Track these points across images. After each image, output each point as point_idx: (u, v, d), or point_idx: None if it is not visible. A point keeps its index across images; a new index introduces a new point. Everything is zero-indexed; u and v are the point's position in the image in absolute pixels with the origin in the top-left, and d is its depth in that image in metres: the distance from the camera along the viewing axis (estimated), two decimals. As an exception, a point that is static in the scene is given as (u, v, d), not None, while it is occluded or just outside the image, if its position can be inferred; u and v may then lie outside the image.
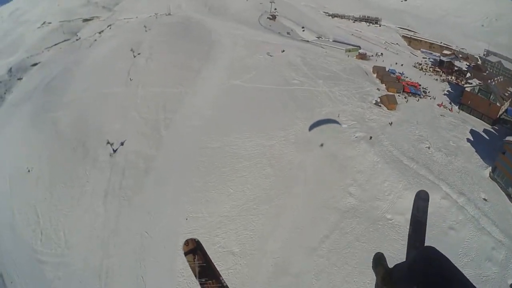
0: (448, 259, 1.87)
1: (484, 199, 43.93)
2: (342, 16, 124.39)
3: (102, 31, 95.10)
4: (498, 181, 47.45)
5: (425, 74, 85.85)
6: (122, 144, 48.47)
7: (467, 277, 1.77)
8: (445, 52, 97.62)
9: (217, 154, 45.58)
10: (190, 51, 72.97)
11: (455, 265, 1.84)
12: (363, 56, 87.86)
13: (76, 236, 39.81)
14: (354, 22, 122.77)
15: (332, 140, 48.85)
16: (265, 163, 44.46)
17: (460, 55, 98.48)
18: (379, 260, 2.65)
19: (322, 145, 48.33)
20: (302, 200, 40.71)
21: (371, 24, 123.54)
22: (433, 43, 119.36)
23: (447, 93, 76.54)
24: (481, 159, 52.28)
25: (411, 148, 50.34)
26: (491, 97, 66.15)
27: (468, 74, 78.32)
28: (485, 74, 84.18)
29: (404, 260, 2.37)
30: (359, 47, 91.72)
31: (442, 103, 68.88)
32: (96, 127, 51.64)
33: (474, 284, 1.76)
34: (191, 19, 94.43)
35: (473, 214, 40.79)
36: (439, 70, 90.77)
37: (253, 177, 42.68)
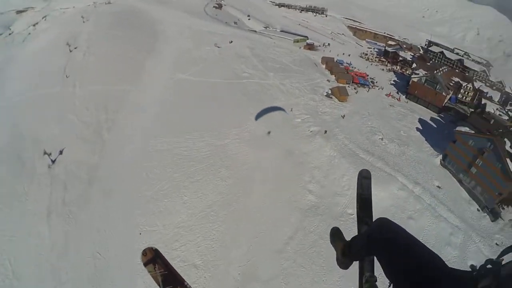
0: (400, 227, 1.95)
1: (438, 187, 45.37)
2: (289, 6, 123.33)
3: (37, 23, 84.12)
4: (449, 168, 49.34)
5: (372, 64, 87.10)
6: (61, 153, 42.12)
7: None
8: (390, 42, 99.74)
9: (167, 158, 41.26)
10: (133, 43, 66.62)
11: (409, 232, 1.93)
12: (311, 47, 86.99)
13: (23, 264, 33.62)
14: (301, 12, 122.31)
15: (287, 135, 46.68)
16: (219, 164, 41.07)
17: (404, 46, 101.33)
18: (336, 235, 2.86)
19: (269, 132, 46.80)
20: (262, 202, 38.12)
21: (317, 14, 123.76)
22: (377, 34, 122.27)
23: (394, 83, 78.27)
24: (431, 148, 53.98)
25: (365, 140, 50.15)
26: (437, 87, 68.38)
27: (414, 65, 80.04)
28: (429, 64, 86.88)
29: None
30: (307, 37, 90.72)
31: (390, 93, 69.93)
32: (32, 134, 44.36)
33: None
34: (133, 8, 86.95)
35: (430, 203, 41.66)
36: (385, 60, 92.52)
37: (208, 181, 39.13)
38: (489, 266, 1.51)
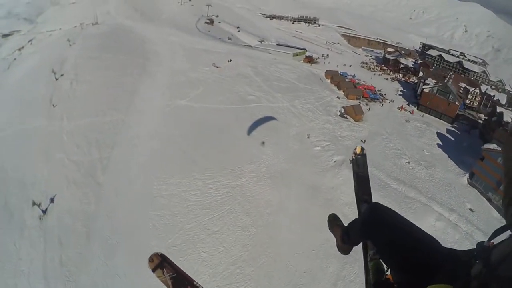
0: (394, 211, 1.94)
1: (471, 209, 42.54)
2: (280, 17, 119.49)
3: (23, 47, 77.05)
4: (477, 186, 46.79)
5: (375, 74, 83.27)
6: (52, 201, 35.81)
7: None
8: (389, 49, 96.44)
9: (176, 205, 35.40)
10: (123, 66, 60.42)
11: (404, 217, 1.89)
12: (310, 59, 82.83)
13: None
14: (293, 23, 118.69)
15: (309, 168, 41.59)
16: (238, 210, 35.45)
17: (403, 52, 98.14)
18: (334, 221, 2.87)
19: (263, 143, 43.71)
20: (293, 251, 32.73)
21: (310, 24, 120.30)
22: (371, 40, 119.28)
23: (401, 93, 74.68)
24: (456, 166, 50.96)
25: (393, 166, 46.10)
26: (450, 96, 65.68)
27: (421, 73, 76.59)
28: (431, 69, 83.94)
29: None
30: (305, 50, 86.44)
31: (402, 106, 66.19)
32: (18, 177, 37.75)
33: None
34: (121, 28, 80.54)
35: (467, 230, 38.95)
36: (386, 68, 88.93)
37: (228, 232, 33.46)
38: (479, 250, 1.45)
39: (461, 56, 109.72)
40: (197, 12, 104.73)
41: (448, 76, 73.02)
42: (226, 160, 40.50)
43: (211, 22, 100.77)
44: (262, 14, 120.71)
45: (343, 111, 55.70)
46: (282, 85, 59.79)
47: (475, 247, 1.54)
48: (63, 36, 74.75)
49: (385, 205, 2.04)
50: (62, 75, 57.15)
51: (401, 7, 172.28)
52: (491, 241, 1.44)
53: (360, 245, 2.70)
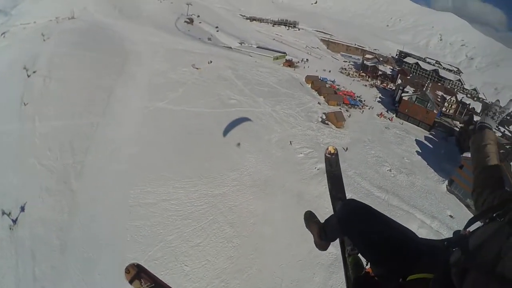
0: (369, 206, 1.97)
1: (451, 216, 43.06)
2: (260, 20, 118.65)
3: None
4: (456, 193, 47.71)
5: (354, 80, 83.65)
6: (22, 209, 32.83)
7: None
8: (367, 56, 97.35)
9: (155, 215, 33.42)
10: (100, 66, 57.32)
11: (379, 210, 1.92)
12: (290, 63, 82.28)
13: None
14: (273, 26, 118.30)
15: (292, 176, 40.63)
16: (221, 221, 33.90)
17: (381, 59, 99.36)
18: (310, 218, 3.06)
19: (239, 144, 42.89)
20: (279, 262, 31.61)
21: (290, 27, 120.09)
22: (349, 46, 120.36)
23: (380, 99, 75.27)
24: (435, 173, 51.73)
25: (375, 174, 46.10)
26: (428, 104, 66.94)
27: (399, 81, 77.59)
28: (409, 77, 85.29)
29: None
30: (285, 54, 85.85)
31: (382, 113, 66.69)
32: None
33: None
34: (99, 24, 76.74)
35: (448, 236, 39.28)
36: (364, 74, 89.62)
37: (212, 244, 31.85)
38: (456, 239, 1.50)
39: (436, 64, 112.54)
40: (177, 10, 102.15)
41: (426, 85, 74.23)
42: (208, 167, 38.92)
43: (190, 21, 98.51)
44: (242, 15, 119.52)
45: (324, 117, 55.17)
46: (264, 89, 58.66)
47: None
48: (37, 30, 70.54)
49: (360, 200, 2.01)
50: (34, 72, 53.42)
51: (379, 14, 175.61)
52: (467, 230, 1.50)
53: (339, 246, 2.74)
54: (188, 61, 64.56)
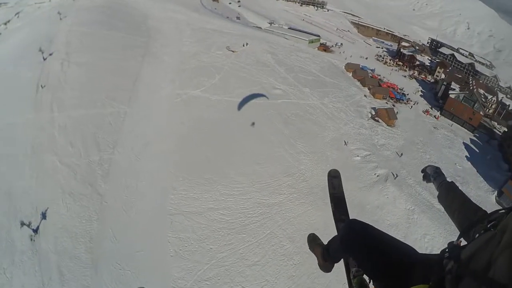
0: (372, 226, 2.00)
1: None
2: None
3: (9, 21, 65.58)
4: (504, 205, 43.60)
5: (392, 70, 78.07)
6: (44, 216, 28.41)
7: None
8: (404, 44, 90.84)
9: (202, 227, 29.25)
10: (124, 46, 51.82)
11: (381, 230, 1.97)
12: (326, 48, 76.68)
13: None
14: (301, 5, 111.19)
15: (351, 183, 36.16)
16: (280, 235, 29.80)
17: (417, 47, 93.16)
18: (314, 241, 2.96)
19: (253, 124, 39.92)
20: (343, 280, 27.23)
21: (318, 8, 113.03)
22: (379, 30, 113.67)
23: (422, 93, 70.00)
24: (485, 182, 47.89)
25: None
26: (475, 105, 62.09)
27: (443, 75, 72.21)
28: (448, 70, 79.86)
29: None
30: (319, 37, 79.84)
31: (428, 110, 61.67)
32: (3, 189, 30.08)
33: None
34: (119, 1, 70.44)
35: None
36: (401, 63, 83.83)
37: (271, 262, 27.92)
38: (450, 249, 1.56)
39: (470, 57, 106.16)
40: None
41: (471, 82, 68.99)
42: (259, 171, 34.48)
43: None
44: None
45: (373, 113, 50.33)
46: (308, 78, 53.47)
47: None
48: (53, 9, 64.33)
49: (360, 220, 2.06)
50: (51, 54, 47.96)
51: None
52: (459, 240, 1.63)
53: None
54: (220, 43, 59.02)
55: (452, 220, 2.06)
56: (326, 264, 2.71)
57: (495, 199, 45.30)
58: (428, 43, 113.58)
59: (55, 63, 45.90)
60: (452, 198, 2.15)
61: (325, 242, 2.79)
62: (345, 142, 41.13)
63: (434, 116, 61.07)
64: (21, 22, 61.09)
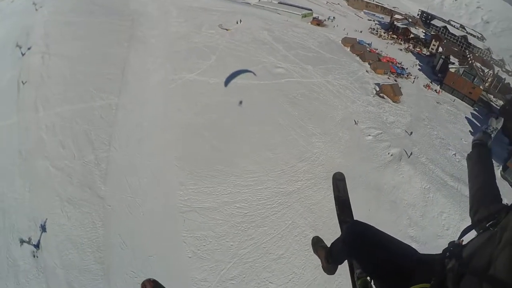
0: (374, 227, 1.99)
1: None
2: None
3: None
4: (509, 180, 45.02)
5: (387, 43, 76.04)
6: (43, 229, 25.37)
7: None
8: (397, 16, 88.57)
9: (220, 222, 26.97)
10: (106, 32, 47.13)
11: (382, 231, 1.95)
12: (319, 22, 73.67)
13: None
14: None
15: (367, 164, 34.68)
16: (302, 224, 28.01)
17: (410, 20, 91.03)
18: (318, 243, 3.01)
19: (241, 102, 37.69)
20: None
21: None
22: (368, 2, 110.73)
23: (419, 67, 68.57)
24: None
25: (443, 160, 41.55)
26: (475, 80, 61.46)
27: (440, 49, 70.83)
28: (443, 43, 78.52)
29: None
30: (311, 11, 76.62)
31: (428, 85, 60.45)
32: None
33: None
34: None
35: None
36: (396, 36, 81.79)
37: (296, 254, 26.16)
38: (451, 248, 1.57)
39: (461, 29, 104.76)
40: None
41: (469, 57, 68.05)
42: (273, 158, 32.25)
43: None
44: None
45: (377, 89, 48.52)
46: (308, 54, 50.87)
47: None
48: (27, 0, 58.73)
49: (366, 222, 2.06)
50: (29, 48, 43.08)
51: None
52: (461, 239, 1.60)
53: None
54: (211, 21, 55.29)
55: (469, 189, 1.94)
56: (329, 267, 2.66)
57: (500, 173, 45.11)
58: (418, 15, 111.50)
59: (35, 57, 41.31)
60: (479, 171, 1.97)
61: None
62: (355, 121, 39.29)
63: (435, 90, 59.84)
64: (-6, 19, 55.45)
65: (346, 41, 63.07)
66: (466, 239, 1.59)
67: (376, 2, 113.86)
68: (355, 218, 2.84)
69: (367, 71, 53.78)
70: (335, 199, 3.24)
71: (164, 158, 31.48)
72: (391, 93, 47.42)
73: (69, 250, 24.67)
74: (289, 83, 42.60)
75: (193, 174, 30.29)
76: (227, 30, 52.70)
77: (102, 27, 49.39)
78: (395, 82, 51.30)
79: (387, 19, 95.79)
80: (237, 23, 55.38)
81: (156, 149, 32.23)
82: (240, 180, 30.08)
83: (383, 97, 47.22)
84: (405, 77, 58.95)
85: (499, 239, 1.19)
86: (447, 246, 1.60)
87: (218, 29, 53.12)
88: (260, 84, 41.31)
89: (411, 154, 37.40)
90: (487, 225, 1.47)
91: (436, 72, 67.83)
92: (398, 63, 63.66)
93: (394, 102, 47.34)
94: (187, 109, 37.04)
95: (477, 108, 61.79)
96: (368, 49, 63.08)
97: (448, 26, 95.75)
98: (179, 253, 25.22)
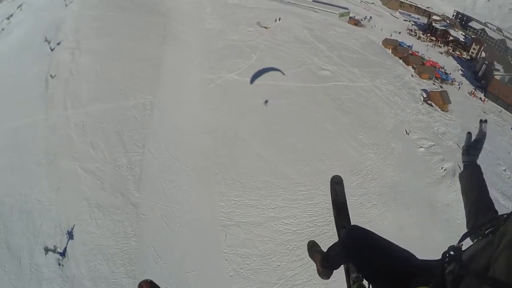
0: (373, 232, 2.02)
1: None
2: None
3: (11, 15, 58.33)
4: None
5: (427, 45, 72.80)
6: (71, 236, 23.99)
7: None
8: (435, 17, 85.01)
9: (265, 240, 25.25)
10: (139, 28, 45.65)
11: (381, 236, 1.98)
12: (356, 22, 70.77)
13: None
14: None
15: (420, 179, 32.61)
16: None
17: (448, 21, 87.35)
18: (313, 248, 2.96)
19: (266, 102, 36.00)
20: None
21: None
22: (402, 2, 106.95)
23: (462, 72, 65.36)
24: None
25: (494, 176, 38.23)
26: None
27: (483, 53, 67.49)
28: (484, 46, 75.08)
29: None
30: (348, 10, 73.87)
31: (473, 92, 57.23)
32: (18, 206, 25.36)
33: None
34: None
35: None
36: (435, 39, 78.39)
37: None
38: (451, 252, 1.58)
39: (498, 32, 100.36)
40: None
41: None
42: (323, 169, 30.28)
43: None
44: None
45: (424, 95, 46.13)
46: (353, 56, 48.61)
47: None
48: None
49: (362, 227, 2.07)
50: (58, 43, 42.17)
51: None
52: (461, 244, 1.62)
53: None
54: (249, 19, 53.45)
55: (464, 206, 2.00)
56: (325, 271, 2.66)
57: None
58: (453, 16, 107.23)
59: (64, 52, 40.29)
60: (472, 186, 2.06)
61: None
62: (406, 131, 37.07)
63: (480, 98, 56.75)
64: (24, 14, 54.37)
65: (387, 42, 60.35)
66: (465, 245, 1.59)
67: (410, 1, 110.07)
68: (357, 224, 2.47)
69: (412, 75, 51.14)
70: (332, 202, 3.19)
71: (204, 164, 29.92)
72: (440, 101, 44.86)
73: (98, 260, 23.38)
74: (336, 87, 40.59)
75: (235, 184, 28.68)
76: (266, 28, 50.80)
77: (134, 23, 48.03)
78: (443, 89, 48.56)
79: (423, 19, 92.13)
80: (275, 21, 53.37)
81: (194, 154, 30.66)
82: (288, 193, 28.28)
83: (431, 105, 44.75)
84: (450, 83, 55.97)
85: (497, 244, 1.21)
86: (446, 249, 1.56)
87: (257, 27, 51.32)
88: (305, 87, 39.49)
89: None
90: (486, 232, 1.46)
91: (479, 78, 64.58)
92: (441, 68, 60.66)
93: (442, 110, 44.80)
94: (227, 111, 35.42)
95: (521, 118, 58.79)
96: (410, 51, 60.26)
97: (487, 29, 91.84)
98: (220, 271, 23.73)
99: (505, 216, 1.46)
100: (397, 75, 48.10)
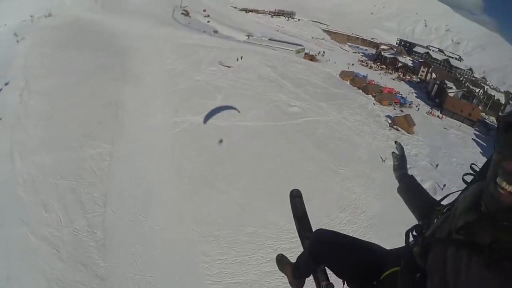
0: (338, 232, 2.05)
1: None
2: (257, 11, 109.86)
3: None
4: None
5: (380, 74, 76.82)
6: None
7: None
8: (383, 47, 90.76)
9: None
10: (95, 68, 43.83)
11: (348, 235, 2.01)
12: (312, 57, 73.82)
13: None
14: (272, 17, 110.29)
15: (403, 203, 32.01)
16: None
17: (395, 49, 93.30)
18: (283, 260, 2.89)
19: (221, 141, 34.12)
20: None
21: (289, 18, 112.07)
22: (349, 36, 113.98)
23: (416, 94, 69.29)
24: None
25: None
26: (474, 101, 63.42)
27: (434, 75, 72.33)
28: (432, 68, 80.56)
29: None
30: (303, 47, 77.17)
31: (431, 111, 60.46)
32: None
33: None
34: (83, 20, 62.20)
35: None
36: (385, 66, 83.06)
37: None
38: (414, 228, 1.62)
39: (439, 52, 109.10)
40: (168, 2, 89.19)
41: (462, 79, 70.42)
42: (310, 210, 28.34)
43: (187, 13, 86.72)
44: (233, 7, 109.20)
45: (389, 121, 47.62)
46: (317, 90, 49.43)
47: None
48: (9, 31, 55.19)
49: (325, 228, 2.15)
50: (6, 84, 39.31)
51: (361, 2, 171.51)
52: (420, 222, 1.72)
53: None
54: (210, 58, 53.41)
55: (412, 213, 2.02)
56: (296, 282, 2.63)
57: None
58: (397, 43, 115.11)
59: (12, 94, 37.08)
60: (414, 195, 2.09)
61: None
62: (382, 158, 37.31)
63: (438, 116, 59.98)
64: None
65: (344, 74, 62.91)
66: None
67: (356, 35, 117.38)
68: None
69: (374, 103, 53.03)
70: (293, 216, 3.16)
71: (178, 221, 26.55)
72: (405, 124, 46.54)
73: None
74: (307, 123, 40.50)
75: (218, 240, 25.04)
76: (228, 67, 50.75)
77: (89, 62, 45.94)
78: (406, 113, 50.61)
79: (371, 50, 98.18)
80: (237, 60, 53.66)
81: (165, 209, 26.95)
82: (279, 243, 25.84)
83: (397, 129, 46.16)
84: (408, 106, 58.71)
85: (454, 213, 1.28)
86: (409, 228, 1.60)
87: (219, 66, 51.07)
88: (277, 126, 38.94)
89: (444, 186, 35.86)
90: (444, 210, 1.48)
91: (432, 97, 68.63)
92: (397, 93, 63.71)
93: (409, 133, 46.35)
94: (197, 158, 32.95)
95: (477, 128, 62.78)
96: (367, 81, 63.00)
97: (430, 52, 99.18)
98: None
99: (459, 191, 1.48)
100: (360, 105, 49.45)
